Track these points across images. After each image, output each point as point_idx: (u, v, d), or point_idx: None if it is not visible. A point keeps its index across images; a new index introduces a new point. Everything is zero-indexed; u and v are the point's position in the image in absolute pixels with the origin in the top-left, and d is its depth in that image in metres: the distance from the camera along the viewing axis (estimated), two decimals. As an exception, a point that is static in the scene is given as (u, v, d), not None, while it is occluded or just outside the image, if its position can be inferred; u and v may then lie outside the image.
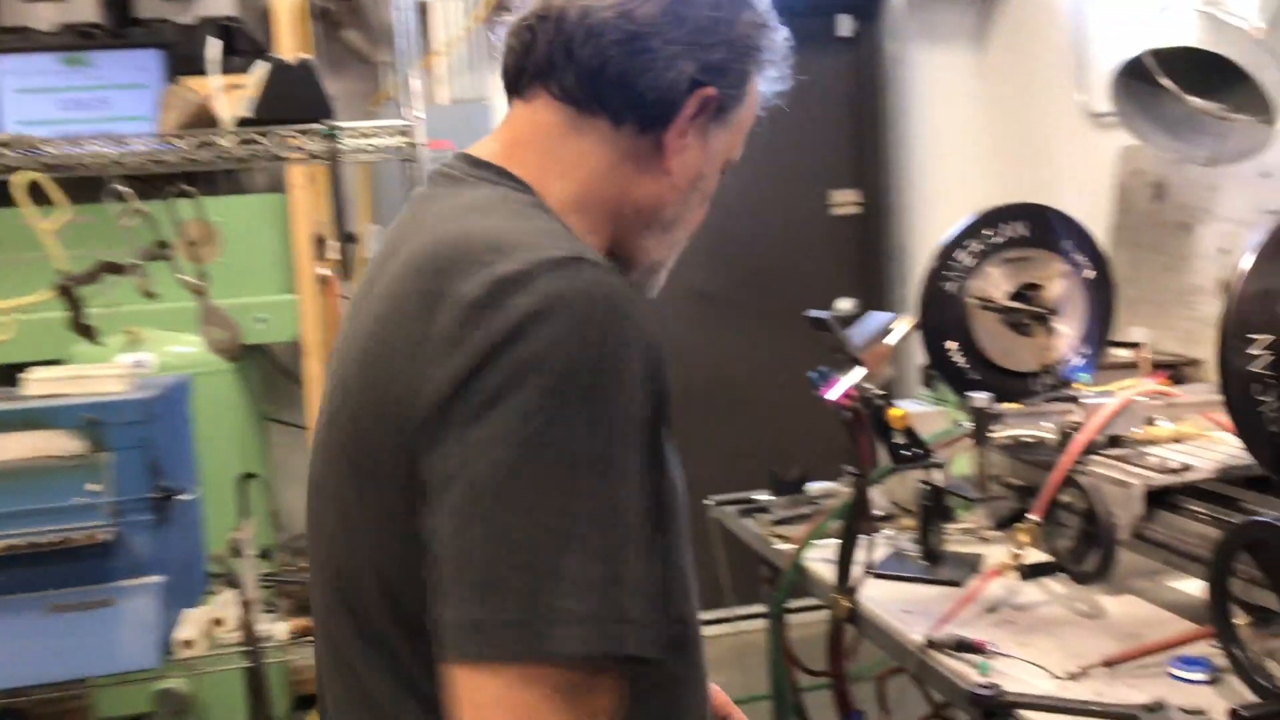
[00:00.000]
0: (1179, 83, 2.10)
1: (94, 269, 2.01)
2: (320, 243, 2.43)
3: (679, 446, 0.86)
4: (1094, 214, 2.86)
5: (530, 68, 0.91)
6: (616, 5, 0.87)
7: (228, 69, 2.14)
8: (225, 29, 2.74)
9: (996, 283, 1.96)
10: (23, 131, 2.43)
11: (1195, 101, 2.11)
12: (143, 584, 1.92)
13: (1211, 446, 1.61)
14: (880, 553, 1.78)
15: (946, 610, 1.58)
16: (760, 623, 2.67)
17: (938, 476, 1.77)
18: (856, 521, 1.72)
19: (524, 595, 0.69)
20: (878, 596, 1.72)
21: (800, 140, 3.92)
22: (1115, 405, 1.55)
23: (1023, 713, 1.29)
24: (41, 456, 1.86)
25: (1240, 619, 1.35)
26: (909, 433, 1.70)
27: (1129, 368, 2.17)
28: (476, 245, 0.78)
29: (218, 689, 2.59)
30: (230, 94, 2.06)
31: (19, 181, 1.97)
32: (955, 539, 1.92)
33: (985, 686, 1.32)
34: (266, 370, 3.37)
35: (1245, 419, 1.25)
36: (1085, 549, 1.56)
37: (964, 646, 1.45)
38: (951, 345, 1.96)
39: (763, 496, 2.27)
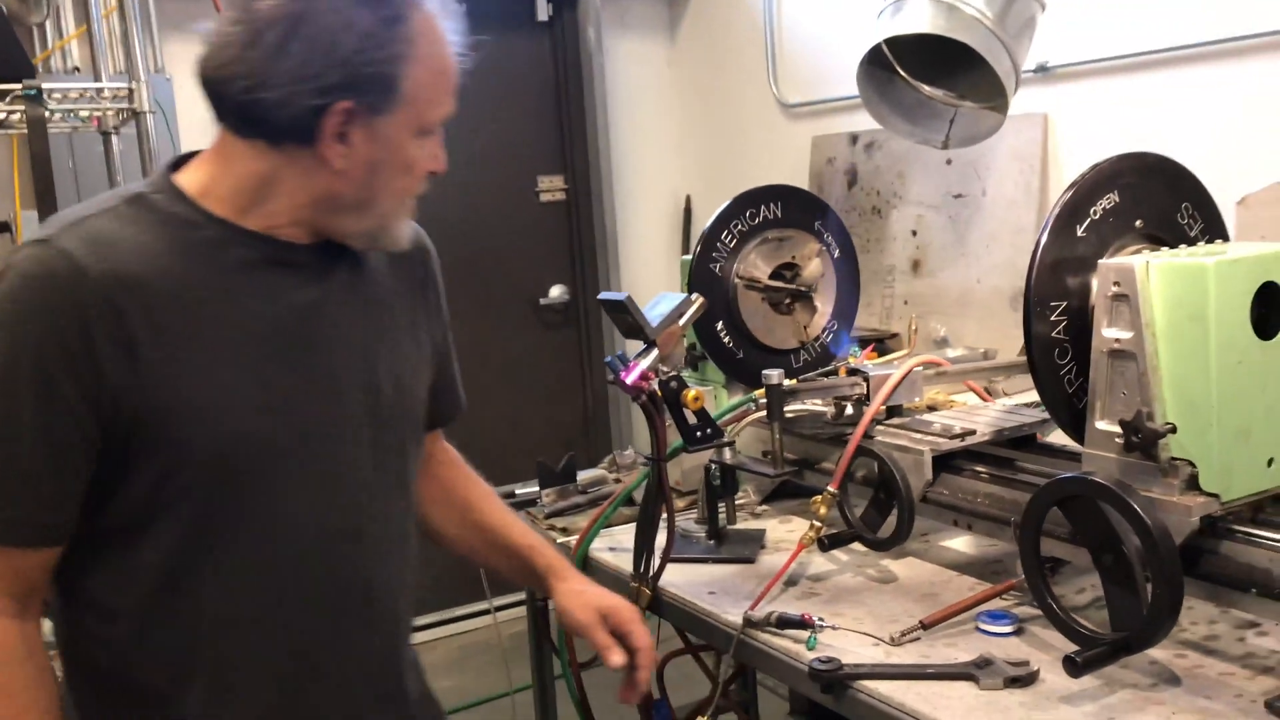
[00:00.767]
0: (919, 71, 2.23)
1: None
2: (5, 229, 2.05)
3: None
4: (804, 198, 3.00)
5: (214, 113, 1.12)
6: (235, 61, 1.05)
7: None
8: None
9: (756, 263, 2.00)
10: None
11: (926, 89, 2.26)
12: None
13: (976, 412, 1.72)
14: (663, 536, 1.76)
15: (760, 589, 1.58)
16: (514, 612, 2.59)
17: (728, 455, 1.77)
18: (655, 506, 1.68)
19: None
20: (675, 580, 1.69)
21: (509, 125, 3.84)
22: (899, 376, 1.61)
23: (860, 683, 1.31)
24: None
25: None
26: (702, 413, 1.68)
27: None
28: None
29: None
30: None
31: None
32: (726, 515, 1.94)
33: (824, 660, 1.32)
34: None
35: (1048, 383, 1.33)
36: (879, 516, 1.62)
37: (787, 623, 1.45)
38: (719, 325, 1.98)
39: (525, 489, 2.18)
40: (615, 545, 1.86)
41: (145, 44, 2.37)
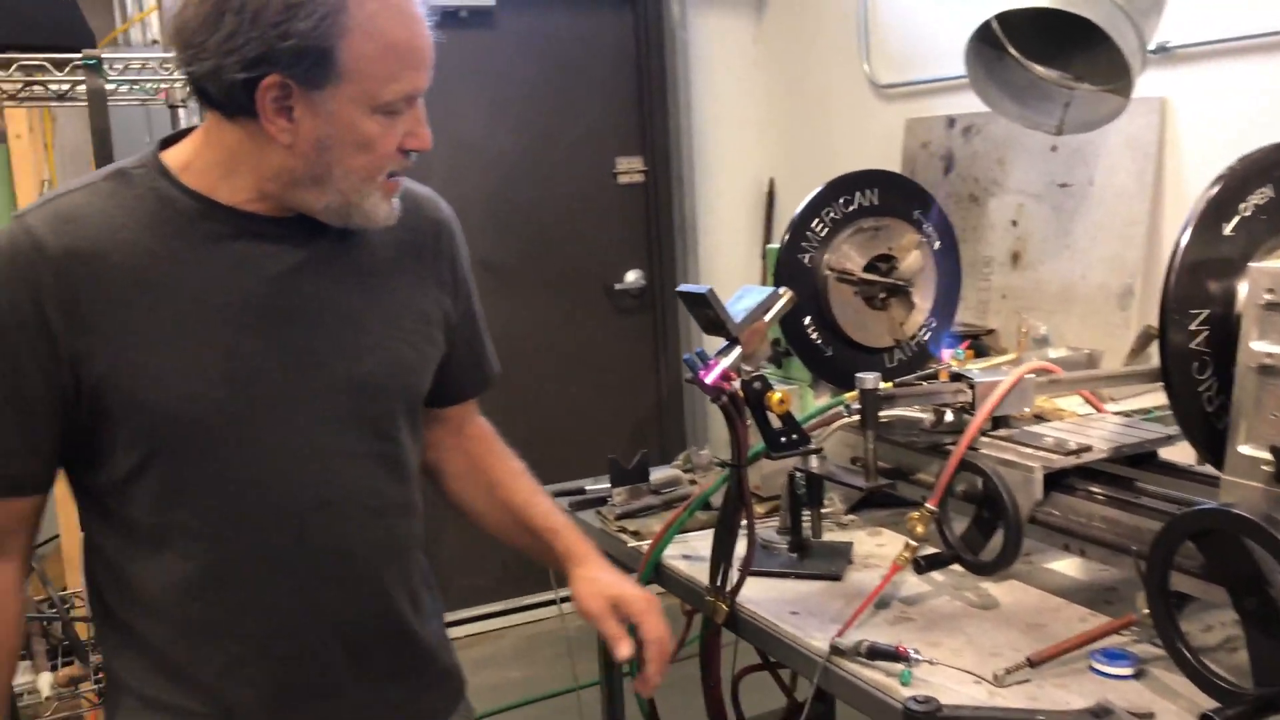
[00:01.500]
0: (1032, 49, 2.07)
1: None
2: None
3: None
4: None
5: None
6: (179, 31, 1.07)
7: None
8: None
9: (849, 254, 1.86)
10: None
11: (1039, 69, 2.09)
12: None
13: (1090, 425, 1.57)
14: (742, 546, 1.64)
15: (848, 610, 1.46)
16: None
17: (814, 463, 1.64)
18: (735, 515, 1.57)
19: None
20: (754, 596, 1.58)
21: (587, 104, 3.73)
22: (1008, 384, 1.47)
23: (959, 726, 1.18)
24: None
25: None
26: (788, 417, 1.56)
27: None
28: None
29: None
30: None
31: None
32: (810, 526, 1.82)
33: (920, 700, 1.20)
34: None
35: (1184, 399, 1.18)
36: (981, 537, 1.48)
37: (878, 653, 1.32)
38: (806, 320, 1.85)
39: (595, 486, 2.08)
40: (690, 553, 1.75)
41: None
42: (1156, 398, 2.03)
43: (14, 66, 1.58)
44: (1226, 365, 1.16)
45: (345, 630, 1.22)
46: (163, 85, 1.81)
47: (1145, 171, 2.53)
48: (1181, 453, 1.56)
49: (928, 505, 1.46)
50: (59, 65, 1.55)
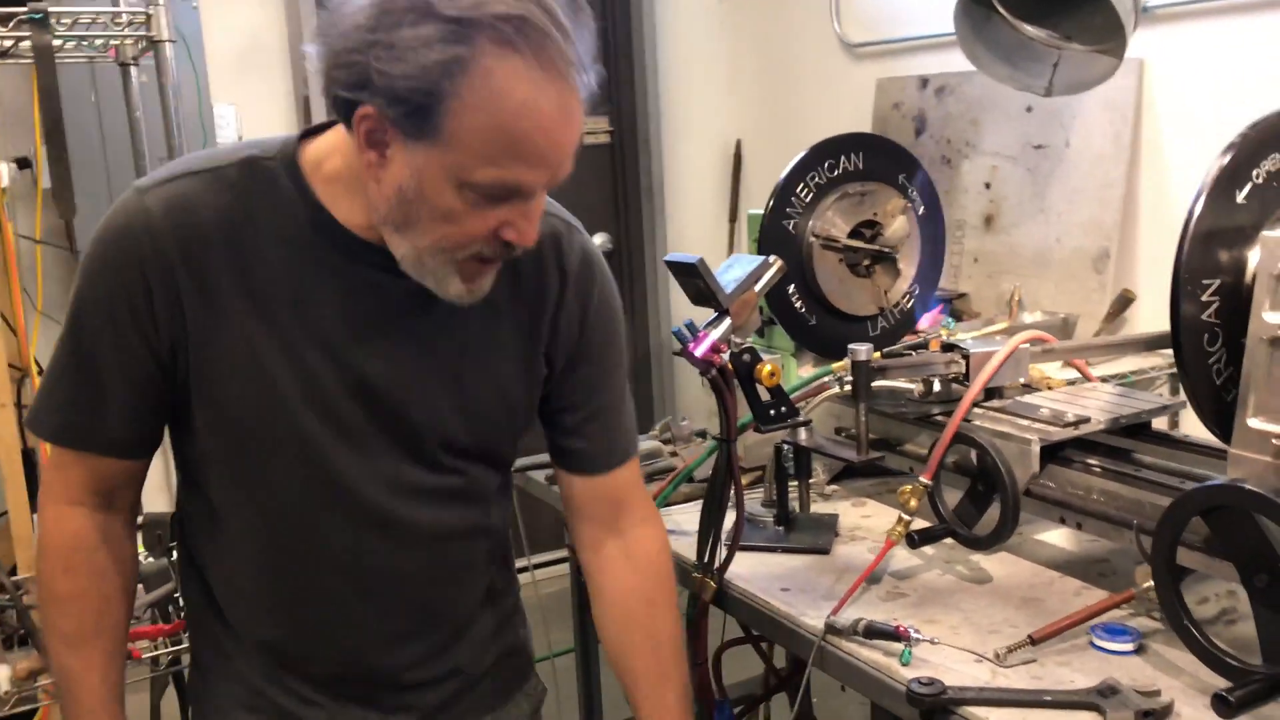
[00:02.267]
0: (1021, 8, 2.02)
1: None
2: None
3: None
4: (870, 147, 2.79)
5: None
6: (321, 26, 0.99)
7: None
8: None
9: (834, 220, 1.81)
10: None
11: (1028, 29, 2.05)
12: None
13: (1084, 395, 1.54)
14: (729, 521, 1.60)
15: (837, 583, 1.43)
16: (554, 570, 2.46)
17: (803, 435, 1.60)
18: (723, 490, 1.53)
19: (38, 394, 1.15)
20: (741, 572, 1.54)
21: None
22: (1004, 354, 1.44)
23: (963, 710, 1.15)
24: None
25: (1150, 580, 1.29)
26: (777, 390, 1.51)
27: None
28: None
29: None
30: None
31: None
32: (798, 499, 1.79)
33: (924, 682, 1.17)
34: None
35: (1195, 371, 1.15)
36: (975, 510, 1.46)
37: (876, 632, 1.29)
38: (791, 288, 1.80)
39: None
40: (674, 528, 1.71)
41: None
42: (1132, 362, 2.02)
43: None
44: (1236, 337, 1.13)
45: (388, 642, 1.21)
46: (112, 41, 1.71)
47: (1122, 134, 2.50)
48: (1182, 425, 1.55)
49: (921, 479, 1.42)
50: (2, 20, 1.44)
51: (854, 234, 1.83)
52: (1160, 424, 1.56)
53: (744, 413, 1.48)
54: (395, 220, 1.03)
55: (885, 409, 1.66)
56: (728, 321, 1.43)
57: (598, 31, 1.00)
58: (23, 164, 2.50)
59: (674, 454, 1.97)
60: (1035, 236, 2.74)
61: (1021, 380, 1.54)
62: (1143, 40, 2.42)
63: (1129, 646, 1.24)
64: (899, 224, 1.79)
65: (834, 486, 1.90)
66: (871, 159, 1.83)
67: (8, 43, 1.53)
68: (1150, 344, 1.50)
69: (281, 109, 3.31)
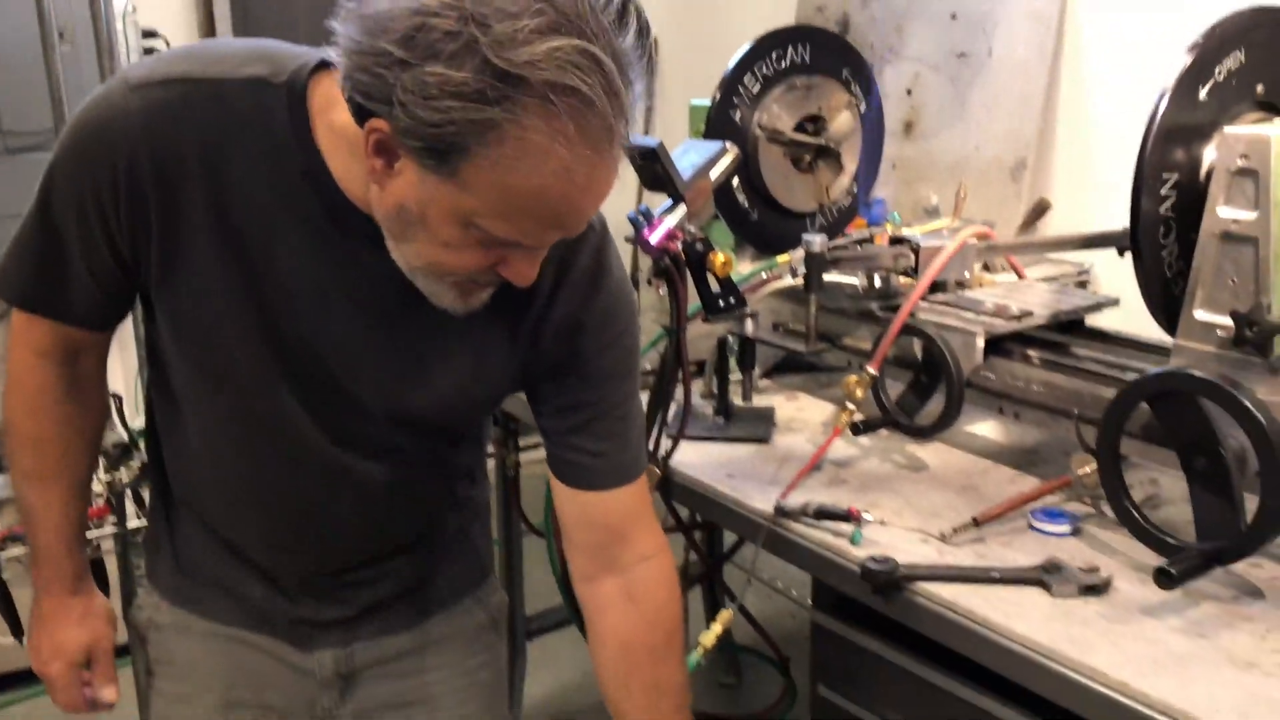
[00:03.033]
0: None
1: None
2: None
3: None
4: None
5: None
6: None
7: None
8: None
9: (779, 114, 1.80)
10: None
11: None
12: None
13: (1021, 291, 1.58)
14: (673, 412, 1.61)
15: (778, 471, 1.46)
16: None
17: (749, 326, 1.61)
18: (670, 380, 1.53)
19: None
20: (686, 460, 1.55)
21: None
22: (953, 248, 1.46)
23: (914, 586, 1.19)
24: None
25: (1086, 466, 1.35)
26: (727, 280, 1.51)
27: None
28: None
29: None
30: None
31: None
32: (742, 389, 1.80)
33: (878, 560, 1.20)
34: None
35: (1149, 264, 1.19)
36: (918, 401, 1.49)
37: (827, 514, 1.32)
38: (735, 181, 1.79)
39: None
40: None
41: None
42: (1047, 269, 2.09)
43: None
44: (1189, 231, 1.17)
45: (329, 554, 1.18)
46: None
47: (1045, 44, 2.54)
48: (1108, 320, 1.60)
49: (868, 369, 1.45)
50: None
51: (798, 128, 1.82)
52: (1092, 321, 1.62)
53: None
54: (392, 230, 0.95)
55: (828, 305, 1.67)
56: (683, 209, 1.42)
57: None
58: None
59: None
60: (954, 145, 2.78)
61: (960, 278, 1.58)
62: (1071, -51, 2.46)
63: (1066, 529, 1.30)
64: (843, 119, 1.79)
65: (766, 381, 1.92)
66: (818, 53, 1.81)
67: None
68: (1091, 242, 1.54)
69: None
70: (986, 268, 1.82)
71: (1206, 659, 1.04)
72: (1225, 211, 1.13)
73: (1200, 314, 1.17)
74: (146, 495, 1.73)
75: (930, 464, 1.54)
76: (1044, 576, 1.17)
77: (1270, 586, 1.17)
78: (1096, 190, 2.39)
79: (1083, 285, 1.92)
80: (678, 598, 1.17)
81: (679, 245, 1.45)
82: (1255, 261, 1.10)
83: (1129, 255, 1.29)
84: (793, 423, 1.72)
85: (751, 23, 1.99)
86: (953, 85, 2.78)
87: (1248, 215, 1.11)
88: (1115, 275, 1.57)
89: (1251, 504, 1.11)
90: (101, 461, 1.64)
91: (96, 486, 1.62)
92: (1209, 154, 1.16)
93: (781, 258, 1.64)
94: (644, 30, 3.76)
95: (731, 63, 1.75)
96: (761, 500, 1.40)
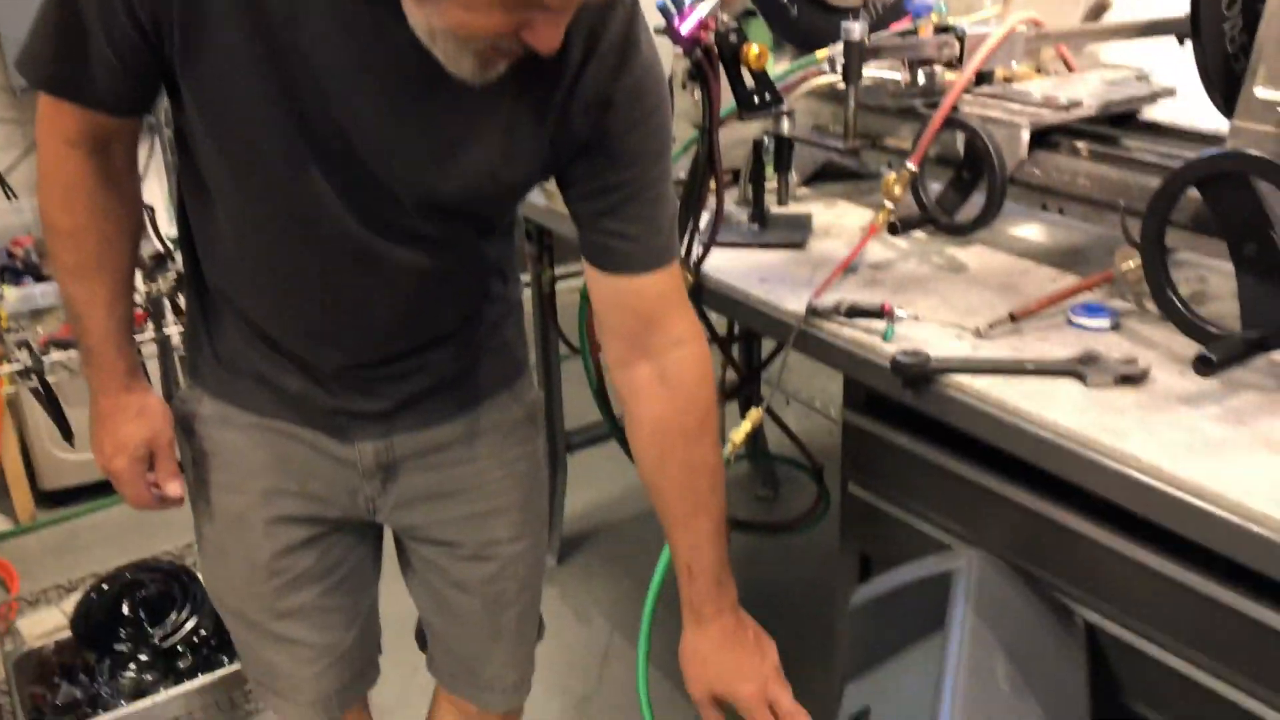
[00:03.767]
0: None
1: None
2: None
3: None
4: None
5: None
6: None
7: None
8: None
9: (819, -102, 1.70)
10: None
11: None
12: None
13: (1072, 82, 1.51)
14: (706, 217, 1.58)
15: (813, 277, 1.43)
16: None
17: (785, 125, 1.56)
18: (703, 183, 1.49)
19: None
20: (719, 266, 1.53)
21: None
22: (1000, 35, 1.39)
23: (945, 379, 1.18)
24: None
25: (1130, 260, 1.31)
26: (762, 75, 1.45)
27: None
28: None
29: None
30: None
31: None
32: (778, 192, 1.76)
33: (909, 354, 1.19)
34: None
35: (1209, 38, 1.12)
36: (959, 198, 1.45)
37: (859, 312, 1.30)
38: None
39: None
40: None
41: None
42: (1102, 74, 1.98)
43: None
44: (1254, 3, 1.09)
45: (361, 348, 1.17)
46: None
47: None
48: (1163, 114, 1.52)
49: (908, 164, 1.40)
50: None
51: (840, -86, 1.72)
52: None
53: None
54: None
55: (867, 103, 1.61)
56: (713, -6, 1.36)
57: None
58: None
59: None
60: (1010, -57, 2.62)
61: (1008, 69, 1.50)
62: None
63: (1106, 324, 1.27)
64: (889, -97, 1.67)
65: (805, 190, 1.87)
66: None
67: None
68: (1150, 29, 1.45)
69: None
70: (1038, 70, 1.73)
71: (1243, 445, 1.02)
72: (1295, -22, 1.05)
73: (1261, 91, 1.10)
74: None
75: (969, 265, 1.51)
76: (1079, 368, 1.15)
77: (1315, 377, 1.15)
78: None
79: (1140, 85, 1.83)
80: (711, 381, 1.18)
81: (711, 36, 1.39)
82: (1324, 32, 1.03)
83: (1188, 51, 1.21)
84: (830, 229, 1.68)
85: None
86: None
87: (1319, -20, 1.03)
88: (1174, 78, 1.49)
89: (1301, 292, 1.08)
90: (138, 273, 1.65)
91: (136, 298, 1.63)
92: (1281, -87, 1.07)
93: (820, 52, 1.58)
94: None
95: None
96: (794, 303, 1.38)
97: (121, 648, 1.79)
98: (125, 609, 1.85)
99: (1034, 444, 1.08)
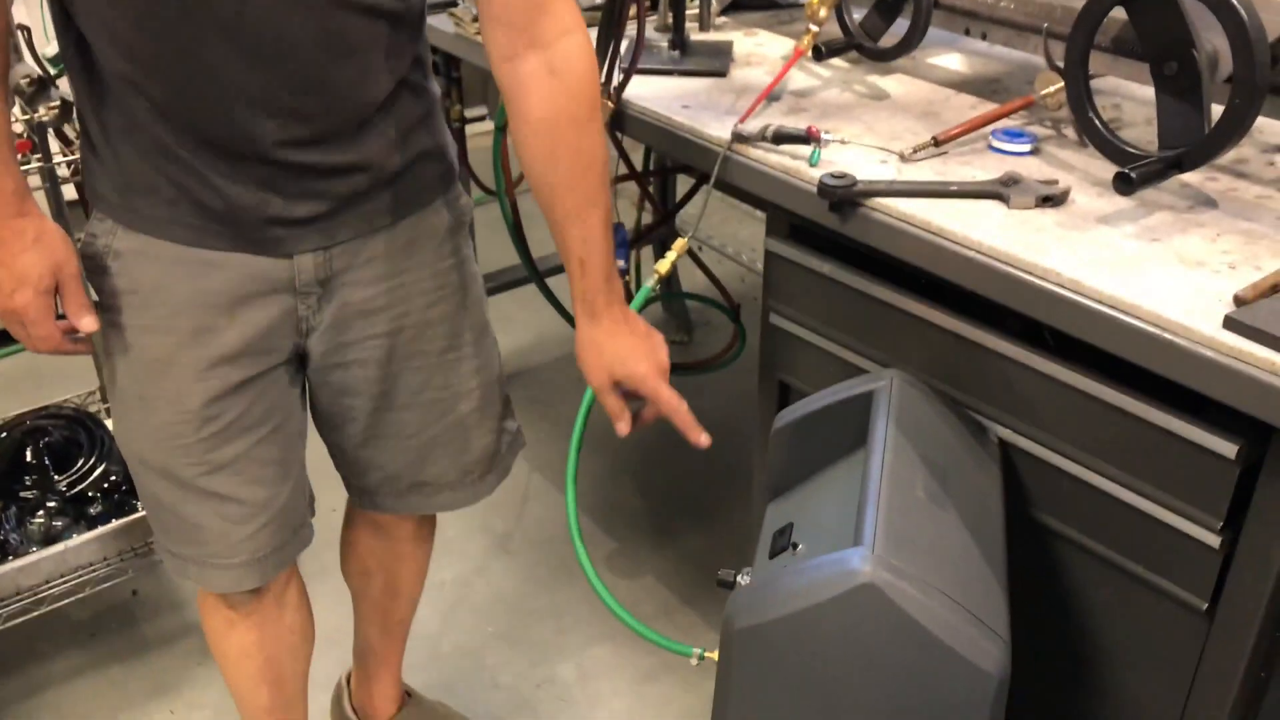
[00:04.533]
0: None
1: None
2: None
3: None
4: None
5: None
6: None
7: None
8: None
9: None
10: None
11: None
12: None
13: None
14: (625, 44, 1.53)
15: (736, 104, 1.40)
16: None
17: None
18: (621, 9, 1.44)
19: None
20: (641, 94, 1.49)
21: None
22: None
23: (871, 202, 1.17)
24: None
25: (1050, 86, 1.31)
26: (683, -109, 1.39)
27: None
28: None
29: None
30: None
31: None
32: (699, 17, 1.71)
33: (835, 176, 1.18)
34: None
35: None
36: (882, 23, 1.42)
37: (785, 137, 1.28)
38: None
39: (442, -11, 1.87)
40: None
41: None
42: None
43: None
44: None
45: (281, 117, 1.07)
46: None
47: None
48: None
49: (833, -16, 1.36)
50: None
51: None
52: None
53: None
54: None
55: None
56: None
57: None
58: None
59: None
60: None
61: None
62: None
63: (1026, 148, 1.28)
64: None
65: (724, 19, 1.83)
66: None
67: None
68: None
69: None
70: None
71: (1158, 259, 1.04)
72: None
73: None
74: (71, 131, 1.65)
75: (891, 92, 1.49)
76: (1002, 189, 1.16)
77: (1224, 197, 1.17)
78: None
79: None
80: (595, 68, 1.17)
81: None
82: None
83: None
84: (751, 57, 1.65)
85: None
86: None
87: None
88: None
89: (1216, 112, 1.09)
90: (17, 101, 1.53)
91: (17, 127, 1.52)
92: None
93: None
94: None
95: None
96: (718, 129, 1.35)
97: (28, 495, 1.74)
98: (29, 456, 1.79)
99: (959, 264, 1.10)
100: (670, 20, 1.62)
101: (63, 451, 1.83)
